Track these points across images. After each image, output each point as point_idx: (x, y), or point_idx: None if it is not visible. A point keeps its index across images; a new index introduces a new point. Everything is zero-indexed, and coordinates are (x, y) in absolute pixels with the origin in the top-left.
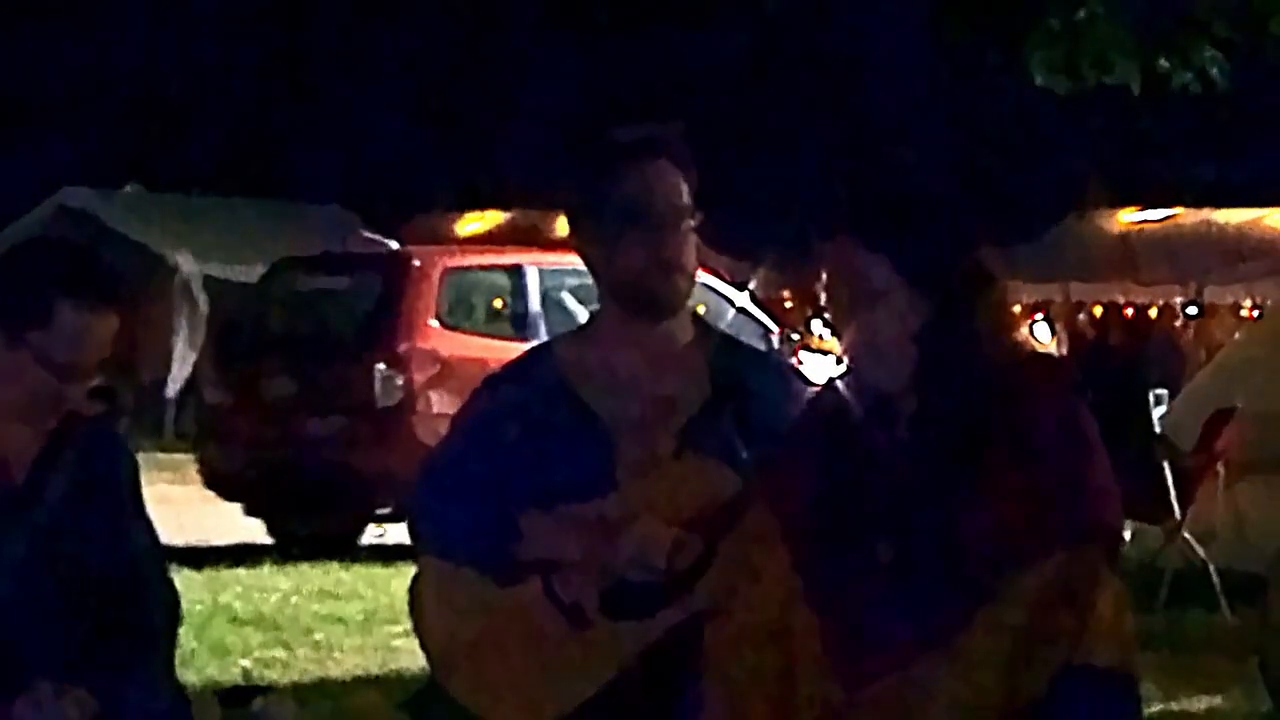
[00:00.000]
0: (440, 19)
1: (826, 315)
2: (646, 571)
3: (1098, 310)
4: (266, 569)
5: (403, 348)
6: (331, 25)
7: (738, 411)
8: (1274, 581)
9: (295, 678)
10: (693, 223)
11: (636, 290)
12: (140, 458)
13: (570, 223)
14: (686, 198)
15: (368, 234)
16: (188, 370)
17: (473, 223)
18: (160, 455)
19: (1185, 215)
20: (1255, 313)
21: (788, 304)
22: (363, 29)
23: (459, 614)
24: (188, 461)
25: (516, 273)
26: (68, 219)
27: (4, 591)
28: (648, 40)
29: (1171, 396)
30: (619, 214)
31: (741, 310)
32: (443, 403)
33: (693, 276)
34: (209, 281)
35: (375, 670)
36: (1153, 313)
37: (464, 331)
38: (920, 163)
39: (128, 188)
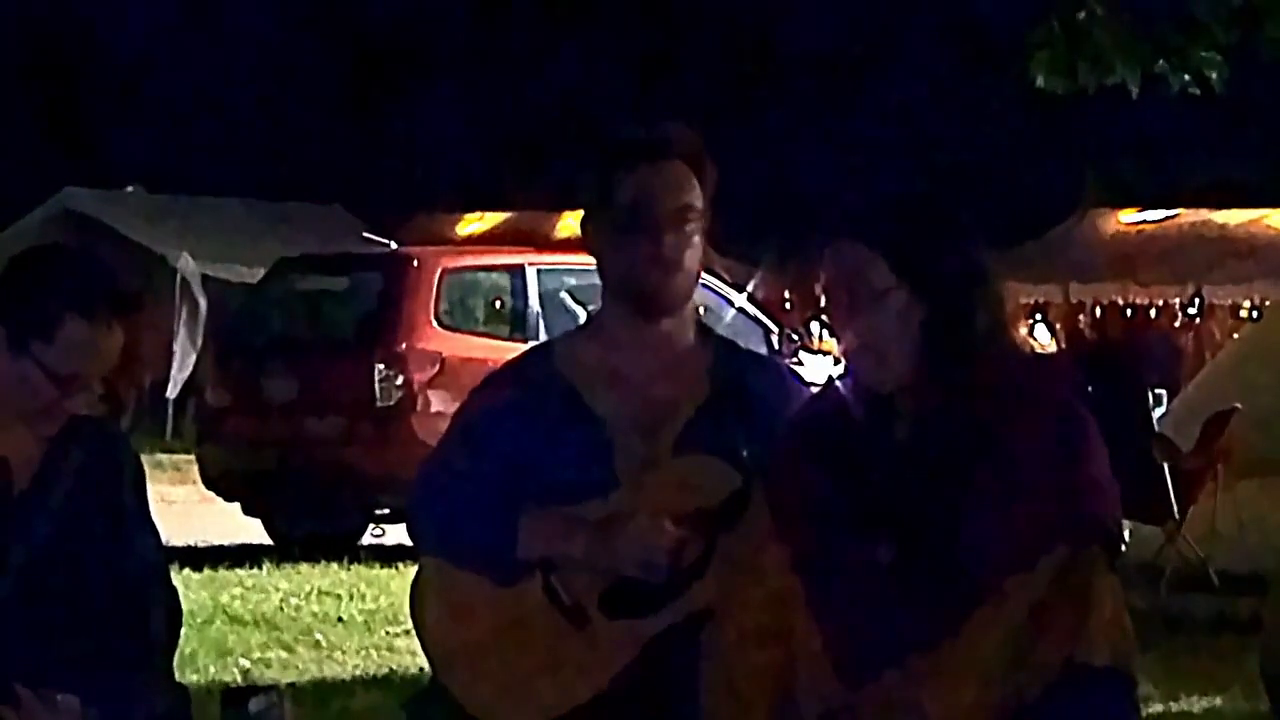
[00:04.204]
0: (440, 18)
1: (826, 316)
2: (647, 571)
3: (1098, 310)
4: (266, 569)
5: (402, 348)
6: (332, 25)
7: (737, 412)
8: (1274, 582)
9: (295, 678)
10: (698, 224)
11: (634, 289)
12: (140, 458)
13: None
14: (695, 199)
15: (368, 234)
16: (188, 371)
17: (473, 223)
18: (160, 455)
19: (1185, 215)
20: (1255, 313)
21: (788, 304)
22: (363, 28)
23: (459, 614)
24: (188, 462)
25: (516, 273)
26: (69, 220)
27: (6, 596)
28: (648, 39)
29: (1171, 396)
30: (621, 211)
31: (741, 310)
32: (443, 403)
33: (694, 278)
34: (209, 281)
35: (375, 670)
36: (1152, 313)
37: (463, 331)
38: (920, 163)
39: (128, 188)
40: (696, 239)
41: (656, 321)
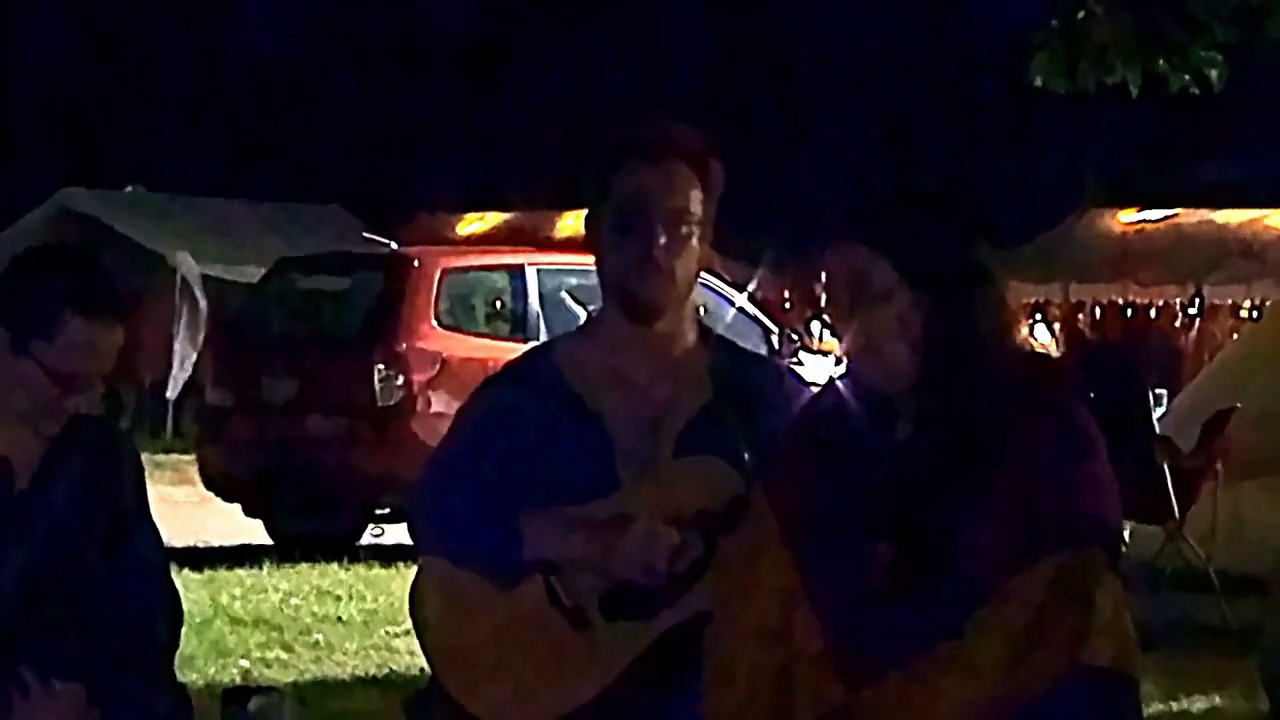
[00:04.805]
0: (440, 18)
1: (826, 316)
2: (648, 574)
3: (1098, 310)
4: (266, 569)
5: (403, 348)
6: (332, 25)
7: (738, 413)
8: (1274, 582)
9: (295, 678)
10: (695, 227)
11: (624, 291)
12: (141, 458)
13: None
14: (693, 201)
15: (368, 234)
16: (188, 371)
17: (473, 223)
18: (160, 455)
19: (1185, 215)
20: (1255, 313)
21: (788, 304)
22: (362, 29)
23: (459, 615)
24: (188, 462)
25: (516, 273)
26: (69, 220)
27: (7, 594)
28: (648, 38)
29: (1171, 396)
30: (616, 211)
31: (741, 310)
32: (443, 403)
33: (688, 281)
34: (209, 281)
35: (375, 670)
36: (1152, 313)
37: (464, 331)
38: (920, 163)
39: (128, 188)
40: (693, 242)
41: (651, 323)
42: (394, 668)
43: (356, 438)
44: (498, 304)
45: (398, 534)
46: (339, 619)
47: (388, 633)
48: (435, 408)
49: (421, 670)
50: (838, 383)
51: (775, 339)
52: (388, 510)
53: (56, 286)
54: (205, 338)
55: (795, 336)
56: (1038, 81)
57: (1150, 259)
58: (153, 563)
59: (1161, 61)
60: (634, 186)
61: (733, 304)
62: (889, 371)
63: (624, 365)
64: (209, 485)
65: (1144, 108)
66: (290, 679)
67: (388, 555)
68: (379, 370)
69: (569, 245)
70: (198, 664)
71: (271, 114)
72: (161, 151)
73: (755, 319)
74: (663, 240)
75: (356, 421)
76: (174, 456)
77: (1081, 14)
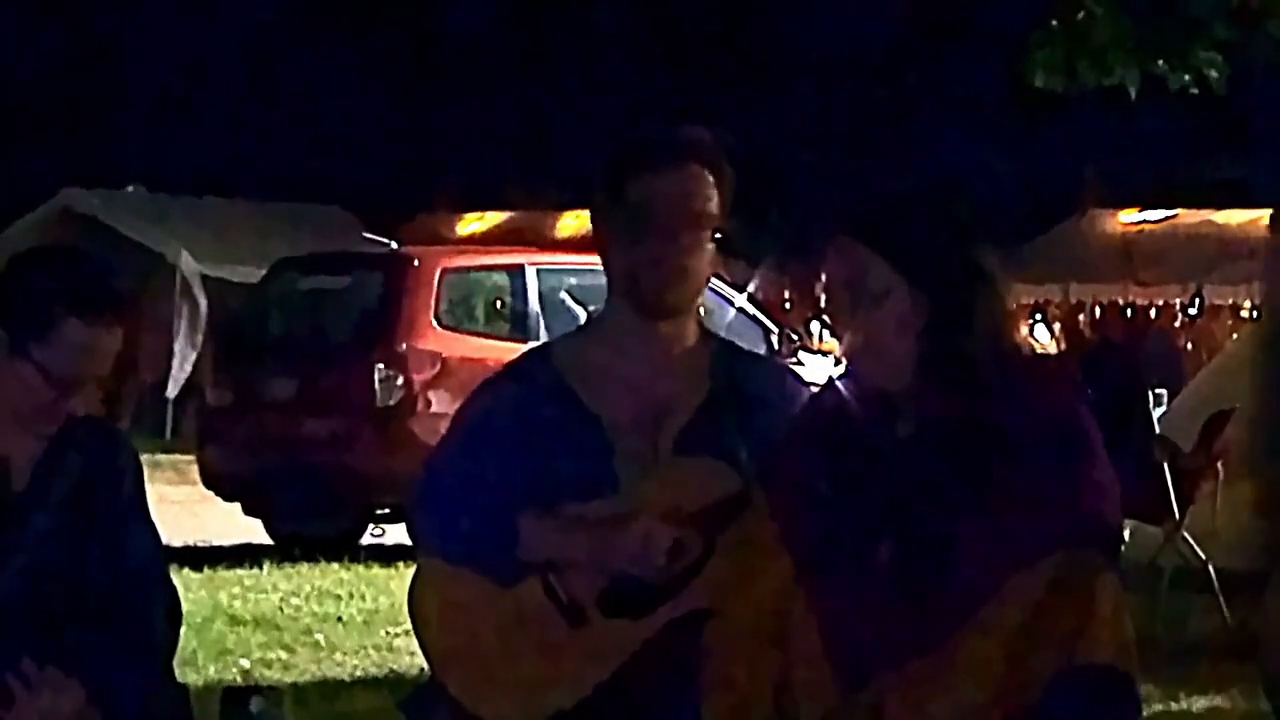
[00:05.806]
0: (441, 18)
1: (826, 316)
2: (646, 571)
3: (1098, 310)
4: (266, 569)
5: (403, 348)
6: (333, 24)
7: (738, 413)
8: (1274, 582)
9: (295, 678)
10: (711, 230)
11: (641, 290)
12: (140, 458)
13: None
14: (710, 205)
15: (368, 234)
16: (188, 371)
17: (473, 223)
18: (160, 455)
19: (1185, 215)
20: (1255, 313)
21: (788, 304)
22: (364, 28)
23: (458, 614)
24: (188, 461)
25: (516, 273)
26: (69, 220)
27: (6, 595)
28: (649, 38)
29: (1171, 396)
30: (634, 212)
31: (741, 310)
32: (443, 403)
33: (702, 282)
34: (209, 281)
35: (375, 670)
36: (1152, 313)
37: (464, 331)
38: (920, 162)
39: (128, 188)
40: (708, 245)
41: (659, 322)
42: (394, 668)
43: (356, 438)
44: (498, 304)
45: (398, 534)
46: (339, 619)
47: (388, 633)
48: (435, 408)
49: (421, 670)
50: (838, 382)
51: (775, 339)
52: (388, 510)
53: (54, 288)
54: (205, 338)
55: (795, 336)
56: (1038, 81)
57: (1150, 259)
58: (152, 562)
59: (1161, 61)
60: (656, 189)
61: (733, 304)
62: (889, 371)
63: (625, 364)
64: (209, 485)
65: (1144, 108)
66: (290, 679)
67: (388, 555)
68: (379, 370)
69: (569, 245)
70: (198, 664)
71: (271, 113)
72: (161, 151)
73: (755, 319)
74: (682, 241)
75: (356, 421)
76: (174, 456)
77: (1081, 14)
